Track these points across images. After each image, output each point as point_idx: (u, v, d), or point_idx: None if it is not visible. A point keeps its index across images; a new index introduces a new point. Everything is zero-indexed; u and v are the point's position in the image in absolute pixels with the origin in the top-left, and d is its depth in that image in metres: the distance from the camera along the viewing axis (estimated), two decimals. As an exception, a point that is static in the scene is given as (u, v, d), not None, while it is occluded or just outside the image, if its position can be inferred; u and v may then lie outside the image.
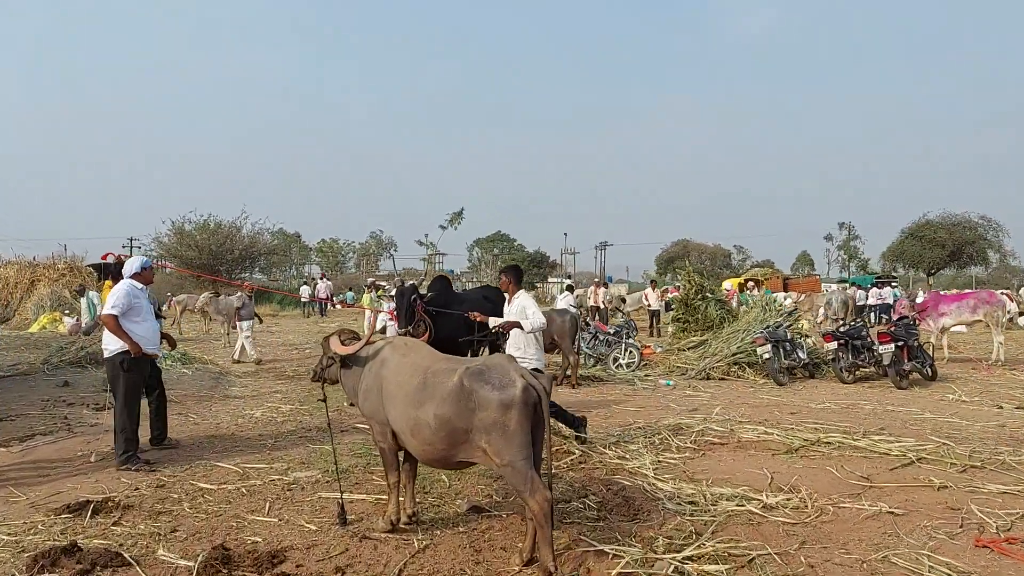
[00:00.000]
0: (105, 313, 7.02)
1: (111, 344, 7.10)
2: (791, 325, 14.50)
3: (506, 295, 7.82)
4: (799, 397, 11.93)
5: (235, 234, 42.27)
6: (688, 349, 14.61)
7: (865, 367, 13.65)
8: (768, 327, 13.88)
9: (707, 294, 15.48)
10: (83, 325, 18.79)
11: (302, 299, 36.32)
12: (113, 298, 7.05)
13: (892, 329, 13.52)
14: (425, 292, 10.16)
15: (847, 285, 29.42)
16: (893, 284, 32.97)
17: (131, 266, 7.45)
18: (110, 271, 16.05)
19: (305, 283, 40.96)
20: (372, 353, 5.52)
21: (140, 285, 7.35)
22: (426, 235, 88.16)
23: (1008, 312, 20.51)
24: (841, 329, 13.95)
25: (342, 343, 5.75)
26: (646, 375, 14.24)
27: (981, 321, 15.85)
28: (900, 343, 12.77)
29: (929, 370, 13.52)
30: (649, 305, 24.29)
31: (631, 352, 14.61)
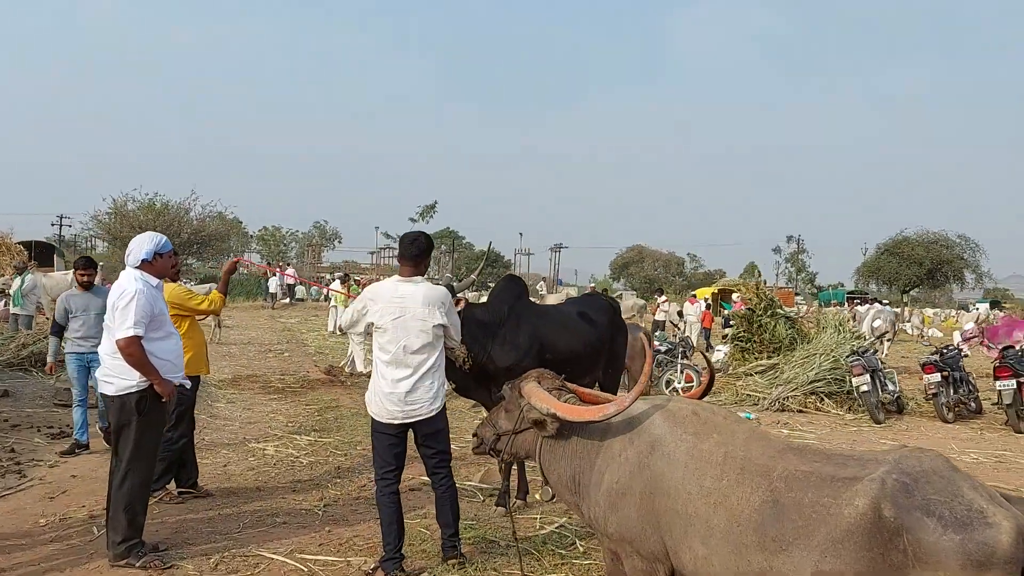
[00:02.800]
0: (124, 335, 4.44)
1: (120, 377, 4.55)
2: (876, 351, 12.56)
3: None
4: (915, 441, 9.92)
5: (183, 216, 38.95)
6: (756, 373, 12.54)
7: (966, 404, 11.78)
8: (858, 353, 11.88)
9: (777, 310, 13.46)
10: (12, 311, 15.51)
11: (327, 291, 33.28)
12: (133, 311, 4.52)
13: (932, 358, 11.72)
14: (467, 294, 7.37)
15: (874, 301, 27.96)
16: (884, 301, 31.71)
17: (141, 249, 4.80)
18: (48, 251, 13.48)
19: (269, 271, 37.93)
20: (624, 425, 3.20)
21: (154, 280, 4.80)
22: (376, 227, 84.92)
23: None
24: (940, 357, 12.03)
25: (560, 399, 3.42)
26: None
27: (1062, 352, 14.15)
28: (1021, 379, 10.90)
29: (975, 404, 11.87)
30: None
31: (688, 374, 12.46)
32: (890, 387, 11.73)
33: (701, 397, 3.87)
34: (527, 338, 6.11)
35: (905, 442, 9.72)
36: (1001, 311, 43.33)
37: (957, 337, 24.25)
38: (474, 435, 3.91)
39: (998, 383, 10.86)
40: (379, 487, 4.73)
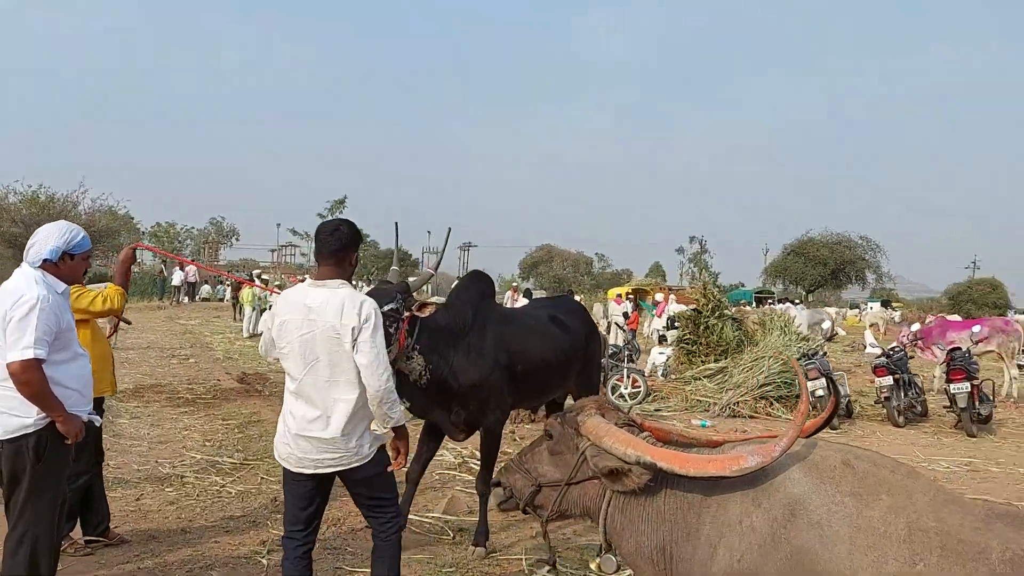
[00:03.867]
0: (20, 358, 3.26)
1: (11, 414, 3.36)
2: (824, 353, 12.22)
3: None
4: (879, 448, 9.52)
5: (70, 211, 36.10)
6: (705, 377, 11.99)
7: (914, 407, 11.54)
8: (808, 355, 11.47)
9: (724, 311, 12.96)
10: None
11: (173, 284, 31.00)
12: (32, 326, 3.32)
13: (886, 361, 11.51)
14: (417, 299, 6.32)
15: (785, 301, 28.07)
16: (796, 301, 32.18)
17: (46, 244, 3.60)
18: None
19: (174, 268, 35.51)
20: (745, 480, 2.37)
21: (61, 285, 3.69)
22: (278, 224, 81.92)
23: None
24: (887, 359, 11.76)
25: (651, 440, 2.60)
26: (656, 410, 11.51)
27: (993, 352, 14.24)
28: (974, 381, 10.69)
29: (920, 407, 11.70)
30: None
31: (635, 379, 11.83)
32: (841, 391, 11.37)
33: (819, 430, 3.02)
34: (494, 347, 5.20)
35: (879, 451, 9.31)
36: (894, 310, 44.93)
37: (868, 337, 24.67)
38: (496, 484, 3.03)
39: (952, 386, 10.63)
40: (285, 548, 3.65)
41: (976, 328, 13.66)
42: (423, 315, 4.69)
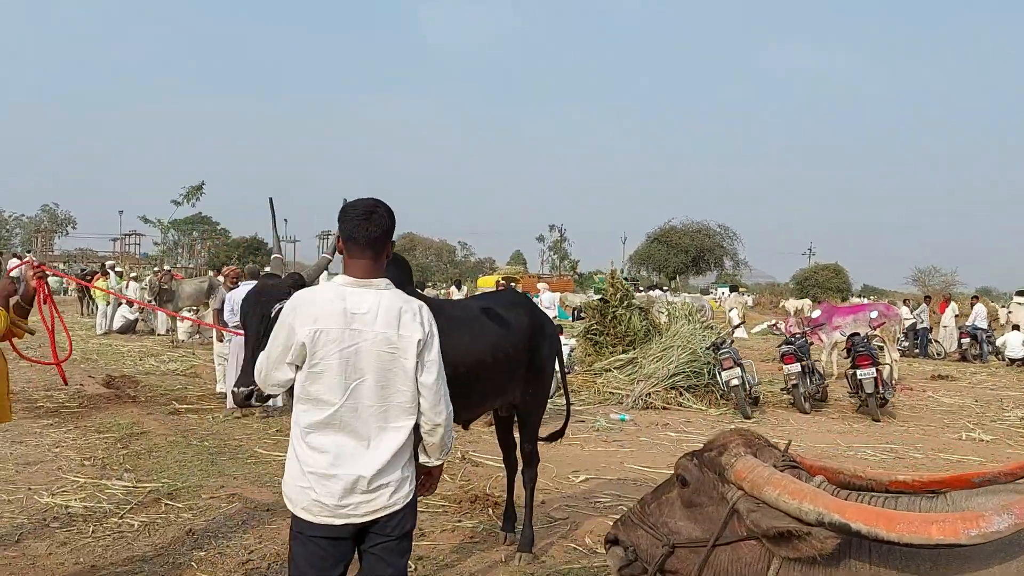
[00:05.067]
0: None
1: None
2: (732, 341, 12.17)
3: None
4: (798, 437, 9.48)
5: None
6: (615, 369, 11.66)
7: (814, 393, 11.67)
8: (718, 345, 11.36)
9: (631, 301, 12.67)
10: None
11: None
12: None
13: (790, 348, 11.67)
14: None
15: (654, 288, 28.36)
16: (664, 288, 32.83)
17: None
18: None
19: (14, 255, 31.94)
20: (985, 553, 1.81)
21: None
22: (120, 211, 76.42)
23: (921, 323, 20.30)
24: (790, 347, 11.82)
25: (830, 488, 2.02)
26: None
27: (876, 335, 14.73)
28: (879, 367, 10.89)
29: (821, 393, 11.90)
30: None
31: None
32: (750, 379, 11.34)
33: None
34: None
35: (794, 439, 9.23)
36: (743, 294, 46.93)
37: (735, 320, 25.41)
38: (610, 542, 2.39)
39: (859, 371, 10.77)
40: None
41: (874, 314, 14.07)
42: None
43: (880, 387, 10.70)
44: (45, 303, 4.29)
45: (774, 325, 14.58)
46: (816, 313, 14.17)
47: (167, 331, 19.57)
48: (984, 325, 21.21)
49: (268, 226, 4.36)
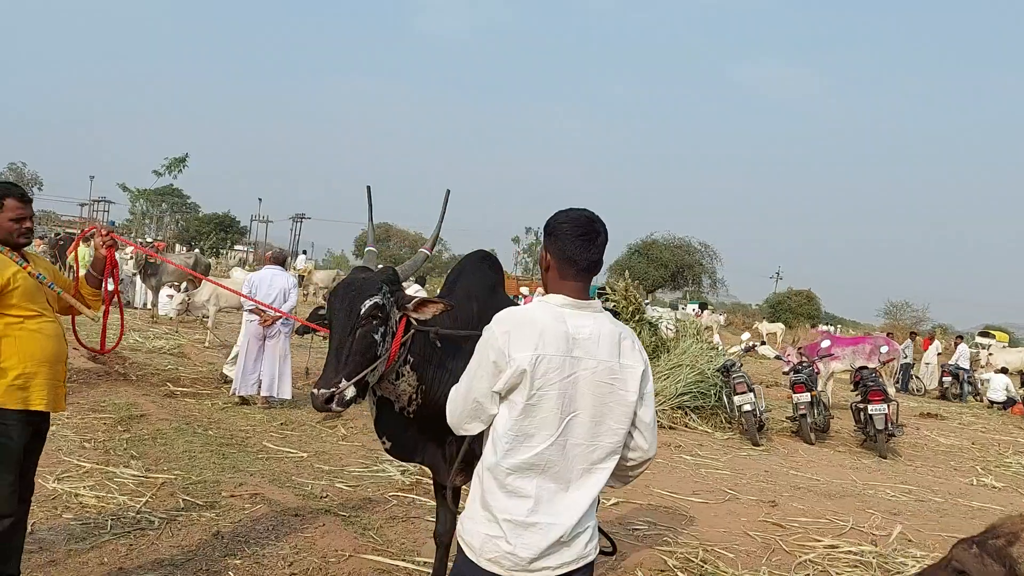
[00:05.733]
0: None
1: None
2: (742, 364, 11.98)
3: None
4: (813, 470, 9.30)
5: None
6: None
7: (820, 424, 11.52)
8: (728, 367, 11.16)
9: (643, 315, 12.43)
10: None
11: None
12: None
13: (800, 376, 11.52)
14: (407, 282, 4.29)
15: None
16: (646, 301, 32.65)
17: None
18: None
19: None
20: None
21: None
22: (91, 176, 74.58)
23: (904, 358, 20.24)
24: (796, 375, 11.66)
25: None
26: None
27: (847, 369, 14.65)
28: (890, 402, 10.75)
29: (825, 423, 11.65)
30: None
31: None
32: (760, 406, 11.15)
33: None
34: None
35: (806, 472, 9.07)
36: (714, 313, 47.01)
37: (716, 340, 25.29)
38: None
39: (871, 407, 10.62)
40: None
41: (884, 348, 14.00)
42: (422, 316, 3.33)
43: (889, 424, 10.56)
44: (111, 277, 3.91)
45: (787, 351, 14.29)
46: (826, 343, 14.06)
47: (144, 305, 18.97)
48: (966, 365, 21.35)
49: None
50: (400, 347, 3.31)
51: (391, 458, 7.15)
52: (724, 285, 51.18)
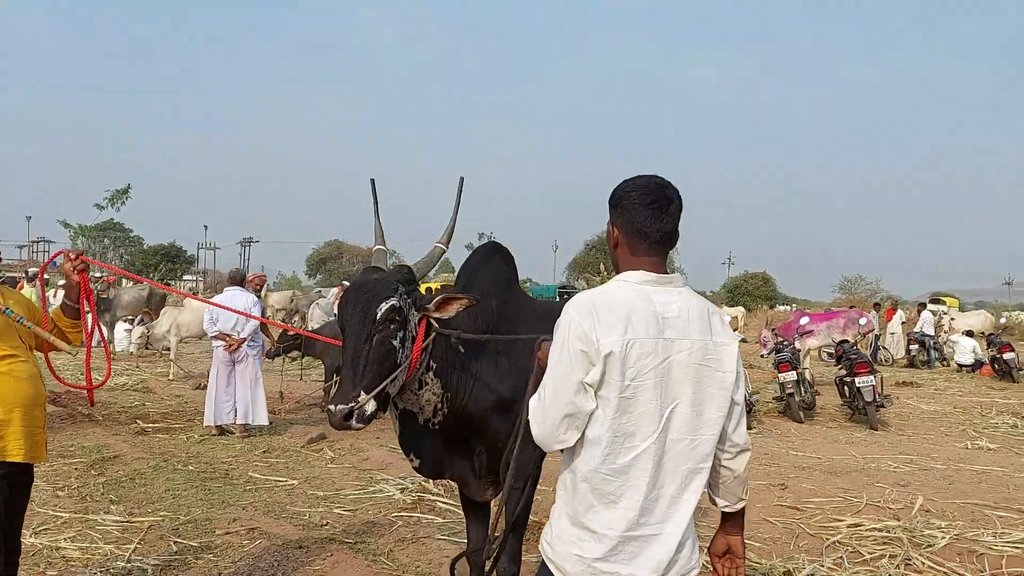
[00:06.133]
0: None
1: None
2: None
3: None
4: (813, 449, 9.18)
5: None
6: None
7: (808, 402, 11.43)
8: (784, 349, 11.01)
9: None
10: None
11: None
12: None
13: (784, 356, 11.46)
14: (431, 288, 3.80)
15: None
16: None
17: None
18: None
19: None
20: None
21: None
22: (28, 216, 72.44)
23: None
24: (780, 354, 11.57)
25: None
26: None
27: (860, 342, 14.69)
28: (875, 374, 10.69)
29: (810, 400, 11.60)
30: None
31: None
32: (747, 389, 11.00)
33: None
34: (529, 356, 3.59)
35: (804, 450, 8.93)
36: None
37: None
38: None
39: (859, 379, 10.55)
40: None
41: (863, 320, 14.00)
42: (445, 315, 3.01)
43: (876, 395, 10.50)
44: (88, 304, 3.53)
45: (763, 334, 14.21)
46: (805, 320, 14.01)
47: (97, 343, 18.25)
48: (931, 332, 21.59)
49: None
50: (421, 352, 3.01)
51: (387, 477, 6.94)
52: (684, 274, 51.48)
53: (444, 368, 3.14)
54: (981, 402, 13.74)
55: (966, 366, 19.11)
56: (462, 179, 3.45)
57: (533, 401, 2.16)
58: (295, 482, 6.84)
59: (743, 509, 2.32)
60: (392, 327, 2.85)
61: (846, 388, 11.04)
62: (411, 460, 3.33)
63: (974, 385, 16.64)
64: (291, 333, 10.17)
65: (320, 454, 7.99)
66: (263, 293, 20.33)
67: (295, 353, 11.41)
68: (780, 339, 12.70)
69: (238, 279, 9.19)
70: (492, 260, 3.60)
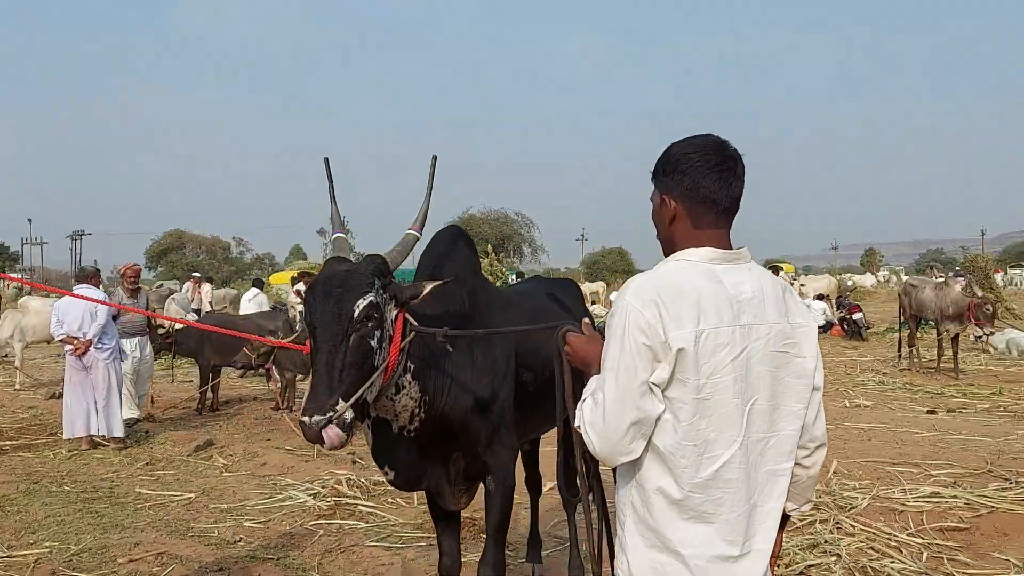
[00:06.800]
0: None
1: None
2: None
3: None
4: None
5: None
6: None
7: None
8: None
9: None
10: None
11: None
12: None
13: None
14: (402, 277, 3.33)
15: None
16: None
17: None
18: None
19: None
20: None
21: None
22: None
23: None
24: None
25: None
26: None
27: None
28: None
29: None
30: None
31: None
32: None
33: None
34: (504, 349, 3.22)
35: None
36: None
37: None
38: None
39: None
40: None
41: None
42: (428, 309, 2.80)
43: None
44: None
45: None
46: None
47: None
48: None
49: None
50: (399, 353, 2.67)
51: (292, 482, 6.48)
52: (545, 252, 52.20)
53: (422, 369, 2.82)
54: (843, 361, 14.57)
55: (820, 327, 20.27)
56: (435, 157, 3.11)
57: (587, 407, 1.86)
58: (191, 495, 6.26)
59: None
60: (370, 325, 2.50)
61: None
62: (385, 473, 2.99)
63: (829, 346, 17.61)
64: (258, 342, 9.05)
65: (211, 462, 7.39)
66: (202, 289, 18.87)
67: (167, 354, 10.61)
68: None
69: (84, 276, 8.39)
70: (457, 245, 3.30)
